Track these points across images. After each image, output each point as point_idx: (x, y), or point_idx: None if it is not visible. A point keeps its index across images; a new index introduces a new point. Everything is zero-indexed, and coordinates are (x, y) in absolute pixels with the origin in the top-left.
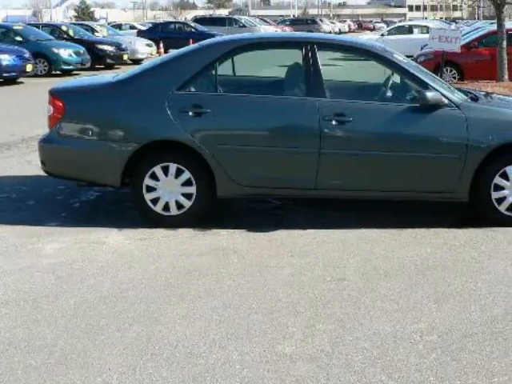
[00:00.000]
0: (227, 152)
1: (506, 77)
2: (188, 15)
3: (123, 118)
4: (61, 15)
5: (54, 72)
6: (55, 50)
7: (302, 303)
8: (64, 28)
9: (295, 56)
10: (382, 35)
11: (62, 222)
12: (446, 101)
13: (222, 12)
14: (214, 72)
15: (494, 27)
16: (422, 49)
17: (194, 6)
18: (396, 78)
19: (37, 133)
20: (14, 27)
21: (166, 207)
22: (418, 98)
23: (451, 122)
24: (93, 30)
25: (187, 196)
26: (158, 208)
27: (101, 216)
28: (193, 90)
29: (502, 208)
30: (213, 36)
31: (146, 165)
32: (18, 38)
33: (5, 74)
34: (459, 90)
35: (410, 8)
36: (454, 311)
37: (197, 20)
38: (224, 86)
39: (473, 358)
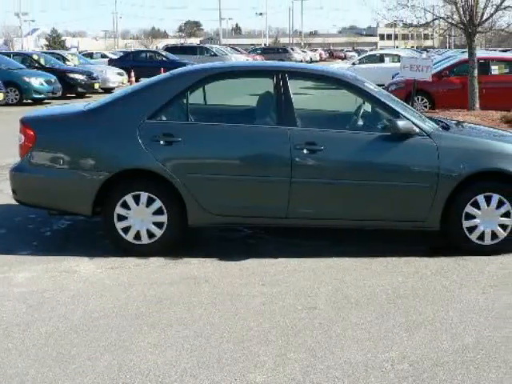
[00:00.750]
0: (198, 181)
1: (477, 105)
2: (159, 44)
3: (94, 147)
4: (32, 44)
5: (25, 101)
6: (26, 79)
7: (274, 332)
8: (35, 57)
9: (266, 85)
10: (353, 64)
11: (33, 250)
12: (417, 129)
13: (194, 41)
14: (185, 101)
15: (465, 56)
16: (393, 77)
17: (165, 35)
18: (367, 107)
19: (8, 162)
20: None
21: (138, 236)
22: (390, 127)
23: (422, 151)
24: (64, 59)
25: (158, 225)
26: (129, 237)
27: (72, 245)
28: (164, 118)
29: (474, 237)
30: (184, 65)
31: (117, 193)
32: None
33: None
34: (430, 118)
35: (381, 37)
36: (425, 340)
37: (168, 49)
38: (195, 114)
39: None
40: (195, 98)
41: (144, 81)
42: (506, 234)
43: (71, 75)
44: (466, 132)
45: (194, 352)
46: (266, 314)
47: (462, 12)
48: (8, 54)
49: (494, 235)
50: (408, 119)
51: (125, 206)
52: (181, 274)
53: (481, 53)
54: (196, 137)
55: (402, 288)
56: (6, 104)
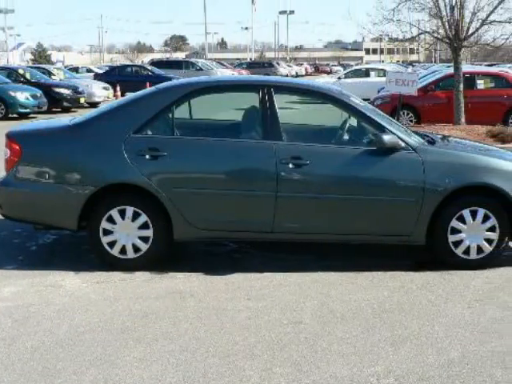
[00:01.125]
0: (184, 195)
1: (463, 120)
2: (145, 58)
3: (80, 162)
4: (18, 58)
5: (10, 115)
6: (12, 94)
7: (259, 346)
8: (21, 71)
9: (252, 99)
10: (339, 78)
11: (19, 265)
12: (403, 144)
13: (179, 55)
14: (170, 115)
15: (451, 70)
16: (378, 92)
17: (150, 49)
18: (353, 122)
19: None
20: None
21: (123, 250)
22: (375, 142)
23: (408, 166)
24: (50, 73)
25: (144, 239)
26: (115, 251)
27: (58, 259)
28: (149, 133)
29: (459, 251)
30: (170, 79)
31: (102, 208)
32: None
33: None
34: (416, 133)
35: (367, 51)
36: (410, 354)
37: (154, 63)
38: (181, 129)
39: None
40: (181, 112)
41: (130, 95)
42: (491, 249)
43: (57, 90)
44: (452, 146)
45: (179, 366)
46: (252, 329)
47: (447, 26)
48: None
49: (479, 250)
50: (394, 134)
51: (110, 220)
52: (166, 288)
53: (466, 67)
54: (182, 151)
55: (387, 302)
56: None
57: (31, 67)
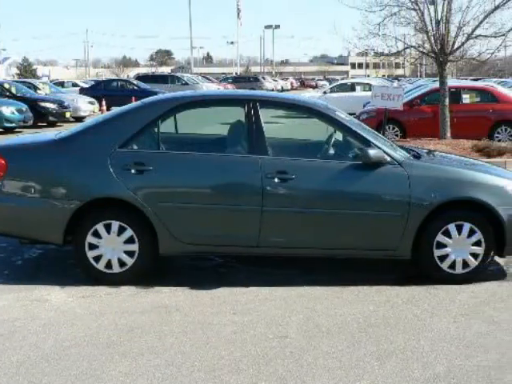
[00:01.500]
0: (169, 209)
1: (449, 134)
2: (130, 73)
3: (65, 176)
4: (3, 73)
5: None
6: None
7: (245, 361)
8: (6, 85)
9: (238, 113)
10: (325, 93)
11: (4, 279)
12: (389, 158)
13: (165, 70)
14: (156, 129)
15: (437, 85)
16: (364, 106)
17: (136, 64)
18: (338, 136)
19: None
20: None
21: (109, 265)
22: (361, 156)
23: (393, 180)
24: (35, 88)
25: (130, 253)
26: (101, 265)
27: (43, 273)
28: (135, 147)
29: (445, 266)
30: (155, 93)
31: (88, 222)
32: None
33: None
34: (401, 147)
35: (353, 66)
36: (396, 369)
37: (139, 77)
38: (166, 143)
39: None
40: (166, 126)
41: (115, 110)
42: (477, 263)
43: (42, 104)
44: (437, 161)
45: (165, 381)
46: (237, 343)
47: (433, 41)
48: None
49: (465, 264)
50: (379, 148)
51: (96, 234)
52: (152, 302)
53: (452, 81)
54: (167, 165)
55: (373, 317)
56: None
57: (17, 81)
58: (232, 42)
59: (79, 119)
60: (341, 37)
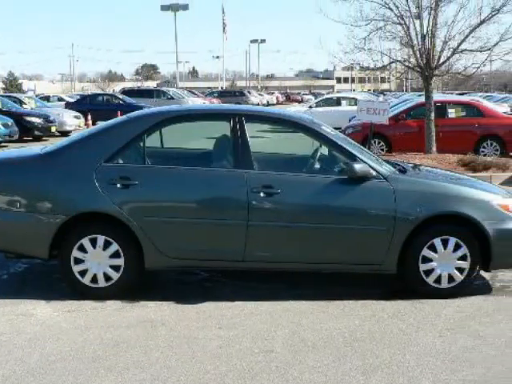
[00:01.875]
0: (155, 224)
1: (434, 149)
2: (116, 87)
3: (51, 190)
4: None
5: None
6: None
7: (230, 375)
8: None
9: (223, 128)
10: (310, 107)
11: None
12: (374, 173)
13: (150, 84)
14: (141, 144)
15: (422, 99)
16: (350, 121)
17: (121, 78)
18: (324, 150)
19: None
20: None
21: (94, 279)
22: (346, 170)
23: (379, 194)
24: (21, 102)
25: (115, 268)
26: (86, 280)
27: (29, 288)
28: (121, 161)
29: (430, 280)
30: (141, 108)
31: (74, 237)
32: None
33: None
34: (387, 162)
35: (338, 80)
36: (382, 383)
37: (125, 92)
38: (152, 157)
39: None
40: (152, 141)
41: (101, 124)
42: (462, 278)
43: (28, 118)
44: (423, 175)
45: None
46: (223, 357)
47: (418, 55)
48: None
49: (450, 278)
50: (365, 162)
51: (81, 249)
52: (137, 317)
53: (438, 96)
54: (153, 180)
55: (358, 331)
56: None
57: (2, 96)
58: (218, 57)
59: (65, 133)
60: (326, 51)
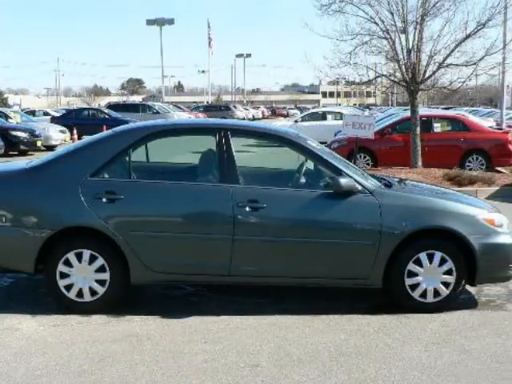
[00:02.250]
0: (141, 238)
1: (420, 163)
2: (101, 101)
3: (37, 205)
4: None
5: None
6: None
7: None
8: None
9: (209, 142)
10: (296, 121)
11: None
12: (360, 187)
13: (136, 98)
14: (127, 158)
15: (408, 113)
16: (335, 135)
17: (107, 93)
18: (310, 165)
19: None
20: None
21: (80, 293)
22: (332, 185)
23: (365, 209)
24: (6, 117)
25: (101, 282)
26: (72, 294)
27: (14, 302)
28: (106, 176)
29: (416, 294)
30: (126, 122)
31: (59, 251)
32: None
33: None
34: (373, 176)
35: (324, 94)
36: None
37: (110, 106)
38: (138, 172)
39: None
40: (138, 155)
41: (86, 138)
42: (448, 292)
43: (13, 133)
44: (409, 190)
45: None
46: (209, 372)
47: (404, 70)
48: None
49: (436, 293)
50: (350, 177)
51: (67, 263)
52: (123, 331)
53: (423, 110)
54: (138, 194)
55: (344, 346)
56: None
57: None
58: (203, 71)
59: (50, 148)
60: (312, 65)
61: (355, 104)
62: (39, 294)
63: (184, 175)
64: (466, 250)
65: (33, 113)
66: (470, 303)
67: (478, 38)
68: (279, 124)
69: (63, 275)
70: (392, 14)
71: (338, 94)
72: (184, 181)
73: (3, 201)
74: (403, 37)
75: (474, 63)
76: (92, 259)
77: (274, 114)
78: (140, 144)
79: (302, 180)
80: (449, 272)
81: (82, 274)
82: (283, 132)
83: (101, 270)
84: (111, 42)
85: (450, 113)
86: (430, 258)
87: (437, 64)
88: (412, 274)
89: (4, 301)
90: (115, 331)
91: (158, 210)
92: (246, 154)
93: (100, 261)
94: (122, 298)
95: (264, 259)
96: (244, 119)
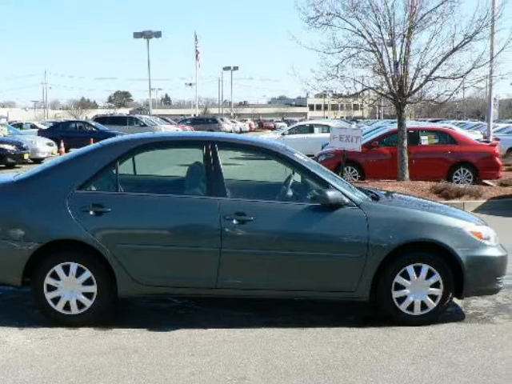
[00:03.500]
0: (128, 251)
1: (407, 176)
2: (89, 114)
3: (24, 217)
4: None
5: None
6: None
7: None
8: None
9: (196, 155)
10: (283, 134)
11: None
12: (347, 200)
13: (123, 111)
14: (114, 171)
15: (395, 126)
16: (322, 148)
17: (94, 105)
18: (297, 177)
19: None
20: None
21: (67, 306)
22: (319, 197)
23: (352, 222)
24: None
25: (88, 295)
26: (59, 307)
27: (1, 315)
28: (94, 188)
29: (403, 307)
30: (114, 135)
31: (46, 264)
32: None
33: None
34: (360, 189)
35: (311, 107)
36: None
37: (98, 119)
38: (125, 184)
39: None
40: (125, 168)
41: (74, 151)
42: (435, 305)
43: (1, 146)
44: (396, 202)
45: None
46: None
47: (391, 82)
48: None
49: (423, 306)
50: (337, 190)
51: (54, 276)
52: (110, 344)
53: (410, 123)
54: (125, 207)
55: (331, 358)
56: None
57: None
58: (190, 84)
59: (38, 161)
60: (299, 78)
61: (342, 117)
62: (26, 307)
63: (171, 188)
64: (454, 262)
65: (20, 125)
66: (458, 316)
67: (465, 51)
68: (266, 137)
69: (50, 288)
70: (379, 26)
71: (326, 107)
72: (171, 194)
73: None
74: (390, 50)
75: (462, 76)
76: (79, 272)
77: (261, 126)
78: (127, 157)
79: (290, 193)
80: (436, 285)
81: (70, 286)
82: (270, 145)
83: (88, 282)
84: (98, 54)
85: (437, 125)
86: (418, 270)
87: (424, 77)
88: (399, 287)
89: None
90: (102, 344)
91: (145, 223)
92: (233, 166)
93: (87, 273)
94: (110, 311)
95: (251, 272)
96: (231, 132)
